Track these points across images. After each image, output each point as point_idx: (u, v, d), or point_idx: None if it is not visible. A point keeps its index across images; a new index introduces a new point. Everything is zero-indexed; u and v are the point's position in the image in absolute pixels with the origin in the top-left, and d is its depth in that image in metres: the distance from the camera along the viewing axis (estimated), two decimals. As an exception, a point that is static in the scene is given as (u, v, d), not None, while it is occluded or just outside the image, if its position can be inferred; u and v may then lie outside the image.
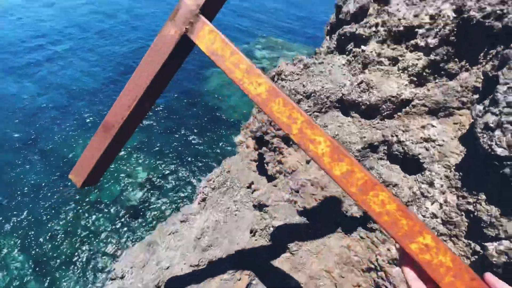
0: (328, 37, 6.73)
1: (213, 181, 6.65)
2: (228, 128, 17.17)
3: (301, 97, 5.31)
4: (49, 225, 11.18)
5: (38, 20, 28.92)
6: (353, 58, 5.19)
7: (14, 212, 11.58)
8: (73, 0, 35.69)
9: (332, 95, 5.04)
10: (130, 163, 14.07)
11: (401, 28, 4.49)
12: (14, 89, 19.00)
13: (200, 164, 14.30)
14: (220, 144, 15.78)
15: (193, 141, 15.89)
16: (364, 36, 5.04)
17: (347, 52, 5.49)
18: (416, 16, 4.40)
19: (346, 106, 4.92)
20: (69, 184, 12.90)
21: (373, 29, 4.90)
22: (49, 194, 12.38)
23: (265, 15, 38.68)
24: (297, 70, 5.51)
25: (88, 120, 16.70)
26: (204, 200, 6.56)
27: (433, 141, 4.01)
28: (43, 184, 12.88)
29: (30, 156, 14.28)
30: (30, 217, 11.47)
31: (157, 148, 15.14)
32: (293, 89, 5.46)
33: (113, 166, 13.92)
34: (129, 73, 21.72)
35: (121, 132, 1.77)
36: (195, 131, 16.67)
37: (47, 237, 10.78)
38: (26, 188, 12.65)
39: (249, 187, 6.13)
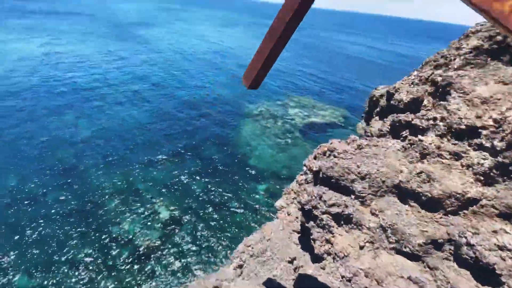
0: (377, 117, 7.04)
1: (252, 248, 6.47)
2: (254, 177, 17.22)
3: (355, 177, 5.37)
4: (67, 255, 11.13)
5: (106, 69, 33.66)
6: (409, 146, 5.31)
7: (33, 236, 11.79)
8: (138, 56, 41.65)
9: (388, 179, 5.05)
10: (154, 204, 14.24)
11: (463, 127, 4.63)
12: (70, 122, 21.21)
13: (225, 213, 14.08)
14: (245, 192, 15.67)
15: (219, 188, 15.97)
16: (421, 127, 5.23)
17: (401, 138, 5.65)
18: (478, 117, 4.56)
19: (403, 194, 4.85)
20: (93, 214, 13.15)
21: (431, 122, 5.09)
22: (72, 223, 12.62)
23: (297, 77, 41.71)
24: (351, 150, 5.70)
25: (117, 158, 17.75)
26: (240, 267, 6.30)
27: (509, 250, 3.73)
28: (69, 213, 13.24)
29: (65, 183, 15.08)
30: (48, 244, 11.57)
31: (183, 191, 15.34)
32: (346, 168, 5.57)
33: (137, 204, 14.16)
34: (168, 119, 23.54)
35: (283, 34, 2.07)
36: (222, 177, 16.89)
37: (60, 267, 10.64)
38: (53, 215, 13.05)
39: (290, 262, 5.87)
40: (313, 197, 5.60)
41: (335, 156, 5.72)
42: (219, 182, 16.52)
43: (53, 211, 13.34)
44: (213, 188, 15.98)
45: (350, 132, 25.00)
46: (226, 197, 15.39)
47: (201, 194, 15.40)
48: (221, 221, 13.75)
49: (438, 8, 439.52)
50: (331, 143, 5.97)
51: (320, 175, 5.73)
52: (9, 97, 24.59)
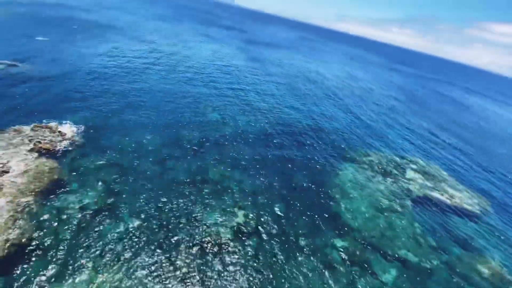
0: None
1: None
2: (337, 229, 14.98)
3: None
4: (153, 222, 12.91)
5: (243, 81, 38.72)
6: None
7: (135, 198, 14.25)
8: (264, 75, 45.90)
9: None
10: (235, 207, 14.58)
11: None
12: (202, 109, 25.31)
13: (291, 251, 12.85)
14: (321, 240, 13.77)
15: (297, 222, 14.73)
16: None
17: None
18: None
19: None
20: (182, 195, 14.76)
21: None
22: (164, 195, 14.55)
23: (430, 140, 34.94)
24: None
25: (224, 157, 19.41)
26: None
27: None
28: (167, 184, 15.35)
29: (180, 156, 17.80)
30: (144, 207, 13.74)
31: (262, 207, 15.07)
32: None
33: (223, 199, 14.81)
34: (273, 139, 24.15)
35: None
36: (304, 212, 15.60)
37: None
38: (156, 181, 15.52)
39: None
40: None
41: None
42: (299, 216, 15.41)
43: (167, 175, 15.86)
44: (292, 217, 15.07)
45: (484, 236, 18.36)
46: (299, 234, 14.15)
47: (276, 219, 14.79)
48: (284, 256, 12.63)
49: None
50: None
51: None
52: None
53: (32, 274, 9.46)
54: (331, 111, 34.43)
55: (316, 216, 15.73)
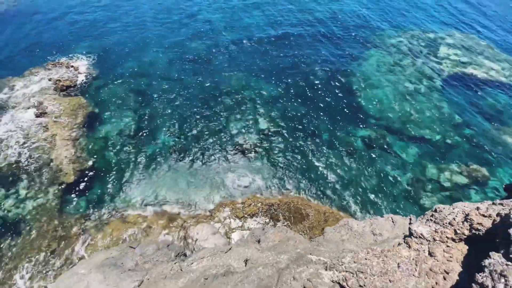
0: None
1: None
2: (358, 119, 15.30)
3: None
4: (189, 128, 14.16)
5: None
6: None
7: (169, 105, 15.11)
8: None
9: None
10: (256, 113, 15.16)
11: None
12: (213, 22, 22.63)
13: (311, 144, 13.83)
14: (342, 131, 14.46)
15: (317, 116, 15.11)
16: None
17: None
18: None
19: None
20: (213, 104, 15.37)
21: None
22: (198, 104, 15.27)
23: (474, 8, 29.17)
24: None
25: (243, 64, 18.55)
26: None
27: None
28: (196, 95, 15.85)
29: (198, 68, 17.57)
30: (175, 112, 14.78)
31: (282, 108, 15.46)
32: None
33: (247, 109, 15.30)
34: (293, 28, 21.70)
35: None
36: (324, 106, 15.75)
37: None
38: (184, 92, 16.00)
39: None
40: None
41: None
42: (319, 110, 15.65)
43: (185, 91, 16.18)
44: (314, 115, 15.41)
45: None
46: (322, 130, 14.78)
47: (298, 119, 15.28)
48: (308, 150, 13.74)
49: None
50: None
51: None
52: None
53: (98, 192, 11.69)
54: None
55: (338, 110, 15.88)
